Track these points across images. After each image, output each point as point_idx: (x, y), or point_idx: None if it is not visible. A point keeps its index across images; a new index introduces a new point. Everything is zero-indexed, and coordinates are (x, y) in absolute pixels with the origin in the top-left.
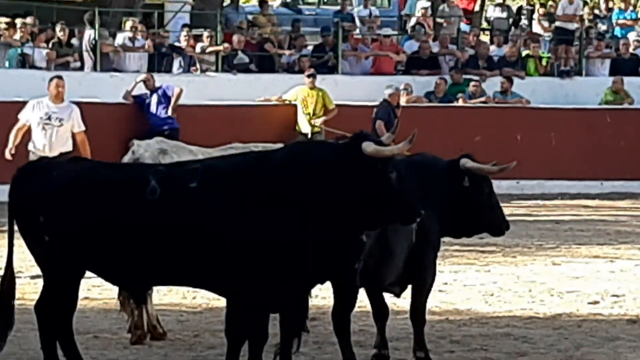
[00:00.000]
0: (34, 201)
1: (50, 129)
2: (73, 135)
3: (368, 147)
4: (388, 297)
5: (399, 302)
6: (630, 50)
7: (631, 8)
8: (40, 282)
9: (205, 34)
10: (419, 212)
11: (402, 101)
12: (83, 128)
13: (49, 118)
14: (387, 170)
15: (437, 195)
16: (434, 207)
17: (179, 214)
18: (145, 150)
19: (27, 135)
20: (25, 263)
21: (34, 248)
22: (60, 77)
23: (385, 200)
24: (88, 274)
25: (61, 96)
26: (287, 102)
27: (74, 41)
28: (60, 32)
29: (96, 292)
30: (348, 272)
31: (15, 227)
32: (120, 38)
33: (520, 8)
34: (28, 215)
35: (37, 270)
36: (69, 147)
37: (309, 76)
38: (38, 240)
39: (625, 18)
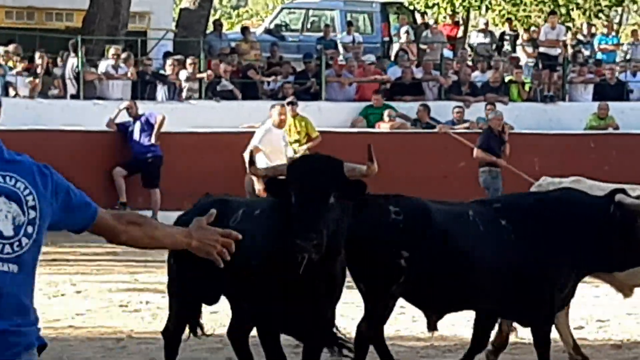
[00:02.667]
0: None
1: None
2: None
3: None
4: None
5: (384, 328)
6: (609, 74)
7: (613, 33)
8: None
9: (189, 61)
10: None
11: (386, 127)
12: None
13: (285, 145)
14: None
15: (573, 230)
16: (567, 240)
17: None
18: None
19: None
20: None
21: None
22: (283, 105)
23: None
24: (73, 301)
25: (284, 124)
26: None
27: (57, 69)
28: (39, 60)
29: (80, 320)
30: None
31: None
32: (104, 66)
33: (503, 34)
34: None
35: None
36: None
37: (288, 104)
38: None
39: (607, 43)
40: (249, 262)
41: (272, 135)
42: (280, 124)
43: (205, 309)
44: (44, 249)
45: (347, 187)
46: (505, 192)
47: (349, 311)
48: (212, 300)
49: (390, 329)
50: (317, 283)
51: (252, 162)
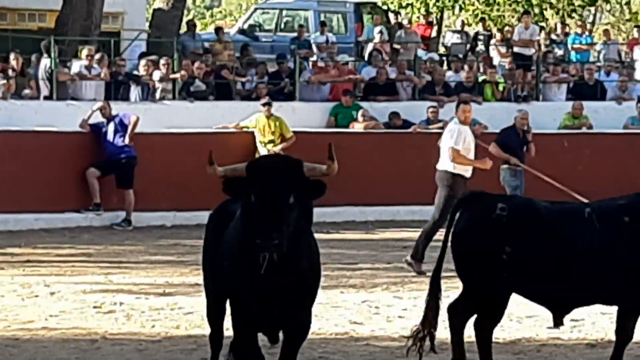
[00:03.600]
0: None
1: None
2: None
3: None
4: (347, 322)
5: (359, 329)
6: (587, 75)
7: (587, 33)
8: None
9: (162, 61)
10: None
11: (360, 127)
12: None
13: (473, 140)
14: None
15: None
16: None
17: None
18: None
19: None
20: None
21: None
22: (466, 102)
23: None
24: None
25: (469, 120)
26: (244, 129)
27: (30, 70)
28: (13, 61)
29: (54, 321)
30: None
31: None
32: (77, 66)
33: (477, 34)
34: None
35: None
36: None
37: (264, 104)
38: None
39: (581, 43)
40: (221, 262)
41: (463, 134)
42: (466, 121)
43: (181, 309)
44: (17, 250)
45: (307, 186)
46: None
47: (324, 312)
48: None
49: (364, 328)
50: (283, 282)
51: (211, 162)
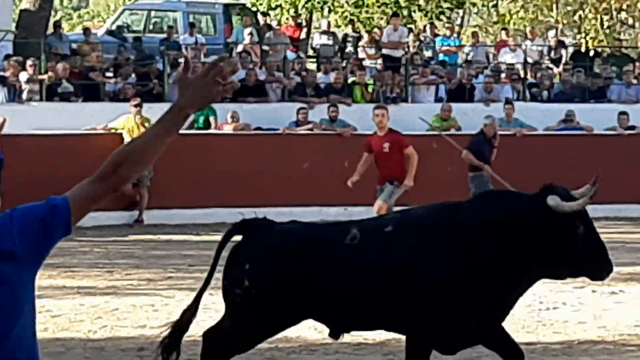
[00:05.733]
0: None
1: None
2: None
3: (551, 200)
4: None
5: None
6: (458, 77)
7: (455, 35)
8: None
9: (29, 62)
10: (608, 269)
11: (229, 129)
12: None
13: None
14: (574, 224)
15: None
16: None
17: None
18: None
19: None
20: None
21: None
22: None
23: (569, 254)
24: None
25: None
26: (113, 130)
27: None
28: None
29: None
30: None
31: None
32: None
33: (345, 35)
34: None
35: None
36: None
37: (135, 105)
38: None
39: (449, 45)
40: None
41: None
42: None
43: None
44: None
45: None
46: None
47: None
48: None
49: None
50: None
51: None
